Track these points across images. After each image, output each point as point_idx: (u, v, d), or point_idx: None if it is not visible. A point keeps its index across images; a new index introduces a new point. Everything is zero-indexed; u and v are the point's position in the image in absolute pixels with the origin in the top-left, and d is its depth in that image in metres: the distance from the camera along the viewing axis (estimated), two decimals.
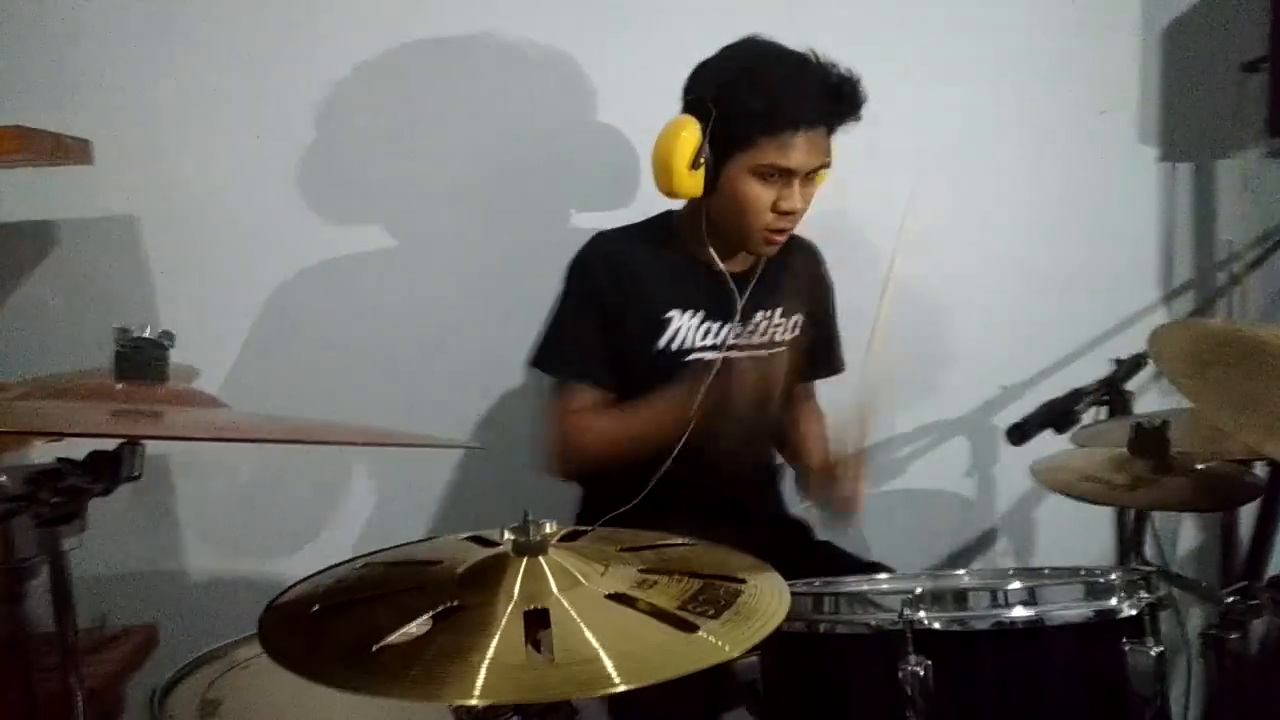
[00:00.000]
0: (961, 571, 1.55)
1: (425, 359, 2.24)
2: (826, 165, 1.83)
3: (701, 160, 1.76)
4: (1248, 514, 1.76)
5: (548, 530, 1.11)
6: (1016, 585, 1.30)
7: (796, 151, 1.74)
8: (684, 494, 1.86)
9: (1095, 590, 1.30)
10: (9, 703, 1.35)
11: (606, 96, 2.22)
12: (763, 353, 1.92)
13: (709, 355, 1.87)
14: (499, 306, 2.21)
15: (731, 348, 1.89)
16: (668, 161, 1.76)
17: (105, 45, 2.09)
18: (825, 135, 1.79)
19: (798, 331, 1.96)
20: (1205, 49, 2.41)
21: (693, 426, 1.75)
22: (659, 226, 1.95)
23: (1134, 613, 1.29)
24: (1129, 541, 1.67)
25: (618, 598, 1.06)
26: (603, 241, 1.91)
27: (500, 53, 2.20)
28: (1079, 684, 1.31)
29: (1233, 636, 1.37)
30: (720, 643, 1.00)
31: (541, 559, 1.10)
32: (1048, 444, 1.83)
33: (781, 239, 1.85)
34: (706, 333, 1.89)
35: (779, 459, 2.11)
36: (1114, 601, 1.29)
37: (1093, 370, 1.99)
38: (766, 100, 1.73)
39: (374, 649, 0.98)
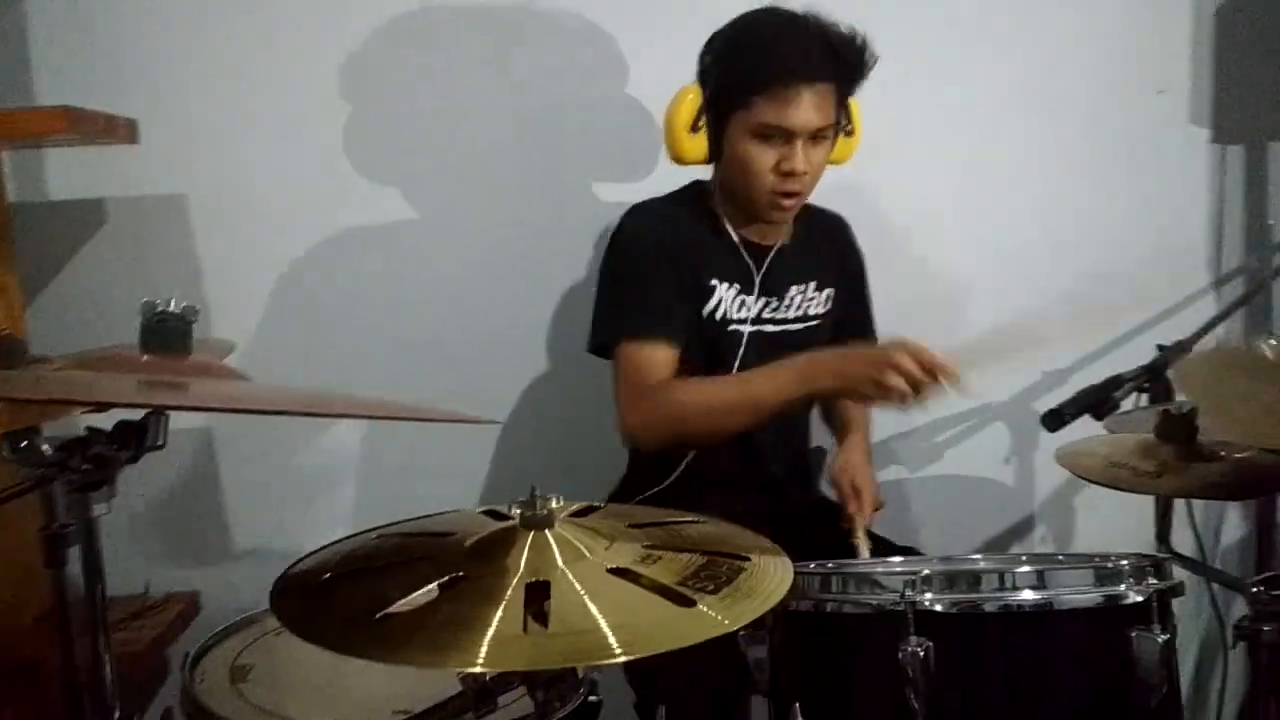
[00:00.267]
0: (977, 555, 1.54)
1: (464, 332, 2.27)
2: (841, 129, 1.81)
3: (700, 124, 1.77)
4: None
5: (554, 505, 1.13)
6: (1024, 569, 1.29)
7: (795, 110, 1.71)
8: (719, 475, 1.87)
9: (1103, 576, 1.28)
10: (50, 667, 1.38)
11: (638, 70, 2.22)
12: (796, 326, 1.92)
13: (746, 328, 1.87)
14: (529, 280, 2.23)
15: (766, 321, 1.89)
16: (670, 126, 1.80)
17: (151, 26, 2.13)
18: (832, 96, 1.75)
19: (830, 305, 1.96)
20: (1259, 29, 2.35)
21: None
22: (691, 197, 1.94)
23: (1140, 599, 1.27)
24: (1162, 529, 1.64)
25: (620, 572, 1.07)
26: (647, 207, 1.90)
27: (534, 25, 2.21)
28: (1084, 669, 1.30)
29: (1267, 629, 1.35)
30: (719, 616, 1.01)
31: (548, 532, 1.11)
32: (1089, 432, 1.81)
33: (790, 203, 1.81)
34: (741, 305, 1.88)
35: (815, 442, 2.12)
36: (1121, 587, 1.27)
37: (1139, 357, 1.95)
38: (760, 57, 1.71)
39: (378, 616, 1.01)
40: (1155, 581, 1.29)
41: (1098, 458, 1.54)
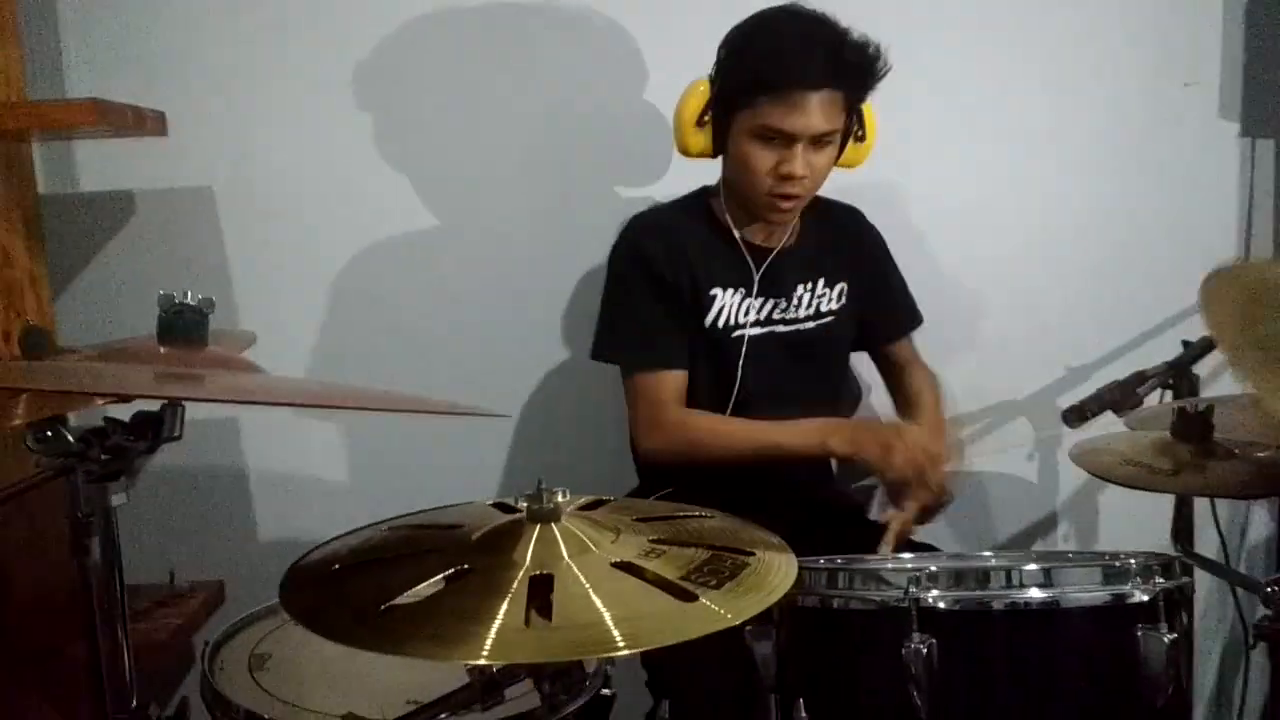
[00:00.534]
0: (987, 553, 1.53)
1: (482, 327, 2.28)
2: (851, 134, 1.81)
3: (706, 118, 1.77)
4: None
5: (560, 499, 1.14)
6: (1031, 567, 1.28)
7: (798, 114, 1.70)
8: (746, 474, 1.87)
9: (1110, 574, 1.28)
10: (74, 654, 1.41)
11: (656, 70, 2.21)
12: (809, 325, 1.92)
13: (753, 331, 1.87)
14: (546, 277, 2.25)
15: (775, 322, 1.89)
16: (678, 118, 1.81)
17: (180, 19, 2.15)
18: (837, 101, 1.73)
19: (845, 300, 1.96)
20: None
21: (734, 407, 1.81)
22: (694, 202, 1.95)
23: (1146, 599, 1.26)
24: (1181, 529, 1.63)
25: (624, 566, 1.08)
26: (645, 220, 1.92)
27: (554, 23, 2.22)
28: (1089, 668, 1.29)
29: None
30: (721, 611, 1.02)
31: (554, 526, 1.12)
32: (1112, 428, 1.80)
33: (788, 206, 1.81)
34: (748, 309, 1.89)
35: None
36: (1127, 586, 1.27)
37: (1166, 353, 1.94)
38: (768, 59, 1.71)
39: (383, 608, 1.02)
40: (1162, 581, 1.28)
41: (1113, 455, 1.53)
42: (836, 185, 1.93)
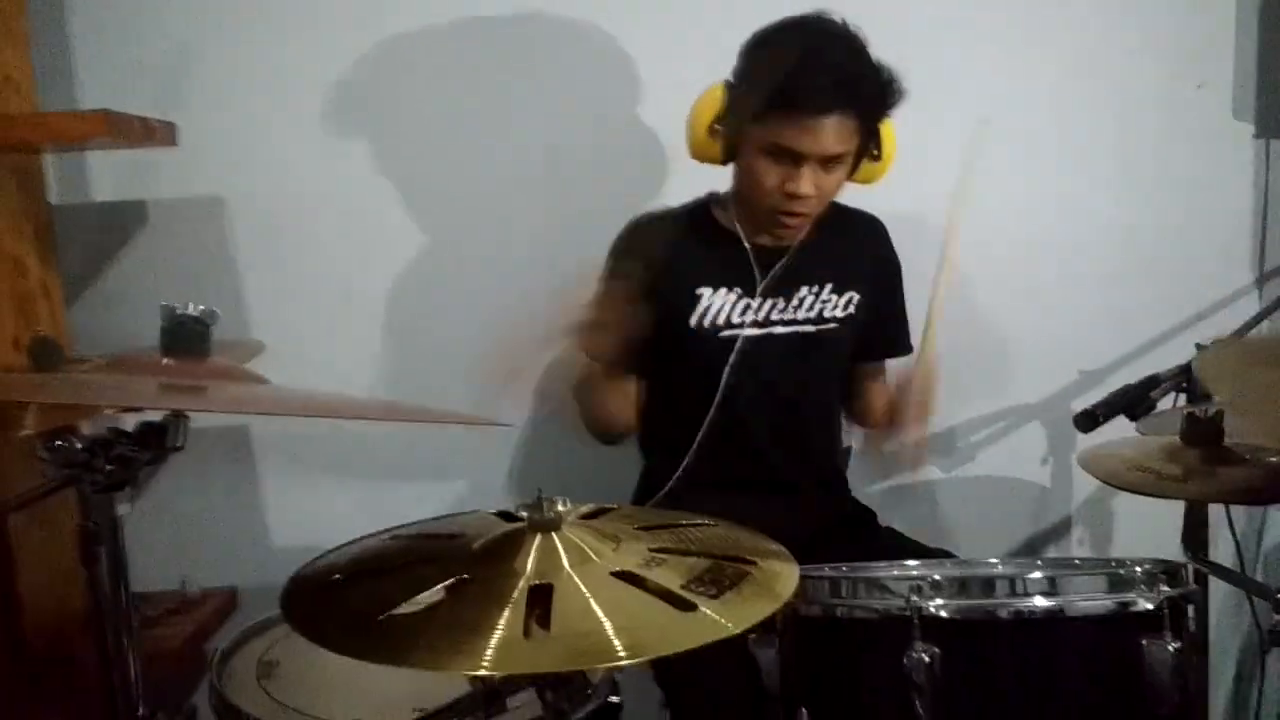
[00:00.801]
0: (994, 560, 1.52)
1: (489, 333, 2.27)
2: (868, 157, 1.81)
3: (718, 127, 1.77)
4: None
5: (560, 508, 1.13)
6: (1036, 575, 1.27)
7: (808, 136, 1.69)
8: (742, 479, 1.88)
9: (1115, 583, 1.26)
10: (86, 663, 1.42)
11: (660, 83, 2.21)
12: (809, 328, 1.91)
13: (748, 331, 1.87)
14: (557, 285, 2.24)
15: (774, 323, 1.89)
16: (691, 123, 1.80)
17: (190, 32, 2.16)
18: (850, 124, 1.72)
19: (853, 309, 1.94)
20: None
21: (721, 405, 1.80)
22: (697, 208, 1.96)
23: (1151, 607, 1.25)
24: (1191, 535, 1.61)
25: (624, 575, 1.08)
26: (636, 226, 1.93)
27: (554, 34, 2.22)
28: (1093, 678, 1.28)
29: None
30: (721, 620, 1.02)
31: (555, 535, 1.12)
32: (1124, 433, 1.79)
33: (793, 222, 1.81)
34: (745, 309, 1.88)
35: (846, 442, 2.11)
36: (1132, 594, 1.25)
37: (1181, 357, 1.92)
38: (780, 79, 1.69)
39: (382, 619, 1.02)
40: (1167, 589, 1.27)
41: (1121, 461, 1.51)
42: (850, 190, 1.92)
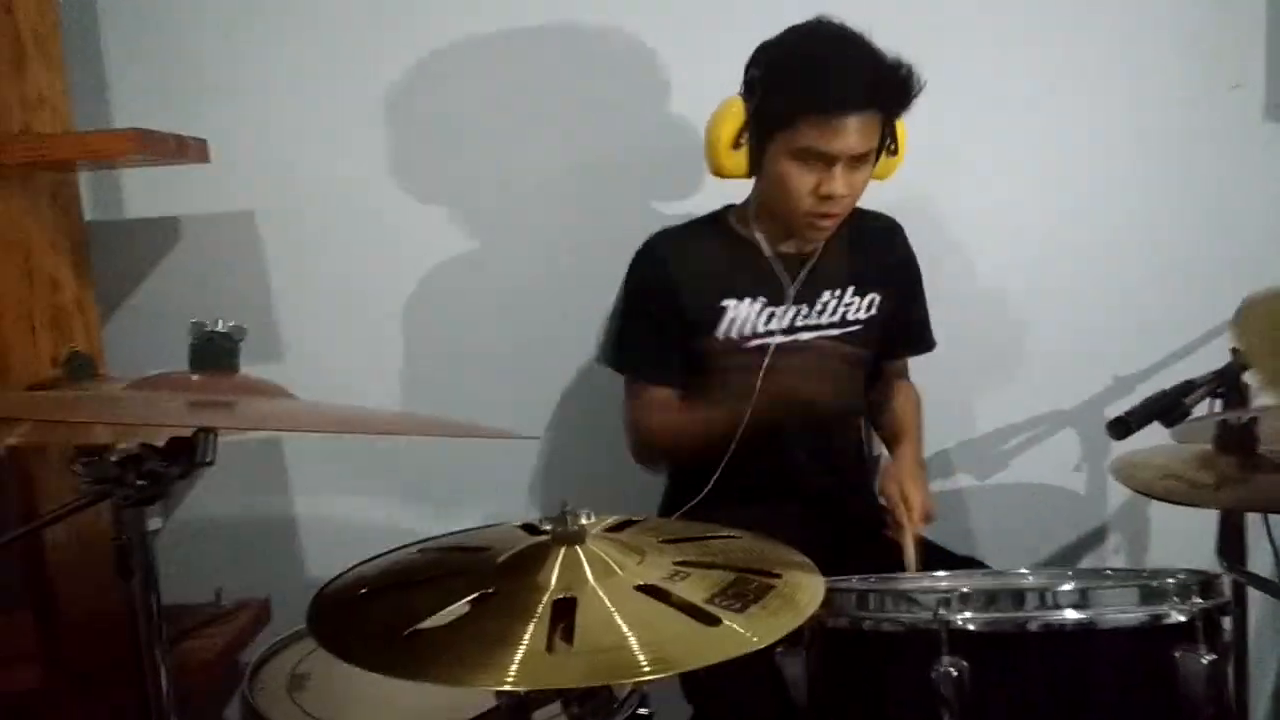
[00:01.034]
0: (1024, 570, 1.50)
1: (521, 349, 2.30)
2: (885, 152, 1.81)
3: (742, 140, 1.77)
4: None
5: (584, 521, 1.13)
6: (1067, 587, 1.25)
7: (837, 136, 1.70)
8: (755, 489, 1.87)
9: (1147, 594, 1.25)
10: (121, 676, 1.43)
11: (686, 88, 2.21)
12: (834, 332, 1.91)
13: (775, 339, 1.86)
14: (588, 301, 2.24)
15: (800, 329, 1.89)
16: (711, 140, 1.80)
17: (221, 50, 2.19)
18: (875, 121, 1.73)
19: (875, 311, 1.94)
20: None
21: (752, 414, 1.79)
22: (718, 218, 1.96)
23: (1184, 619, 1.23)
24: (1227, 544, 1.59)
25: (648, 589, 1.08)
26: (659, 239, 1.93)
27: (584, 44, 2.23)
28: (1125, 691, 1.26)
29: None
30: (746, 634, 1.01)
31: (579, 548, 1.12)
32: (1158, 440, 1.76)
33: (827, 224, 1.82)
34: (770, 317, 1.88)
35: (873, 448, 2.10)
36: (1164, 606, 1.23)
37: (1216, 362, 1.90)
38: (807, 82, 1.70)
39: (407, 633, 1.02)
40: (1200, 601, 1.25)
41: (1153, 469, 1.49)
42: (880, 196, 1.93)
